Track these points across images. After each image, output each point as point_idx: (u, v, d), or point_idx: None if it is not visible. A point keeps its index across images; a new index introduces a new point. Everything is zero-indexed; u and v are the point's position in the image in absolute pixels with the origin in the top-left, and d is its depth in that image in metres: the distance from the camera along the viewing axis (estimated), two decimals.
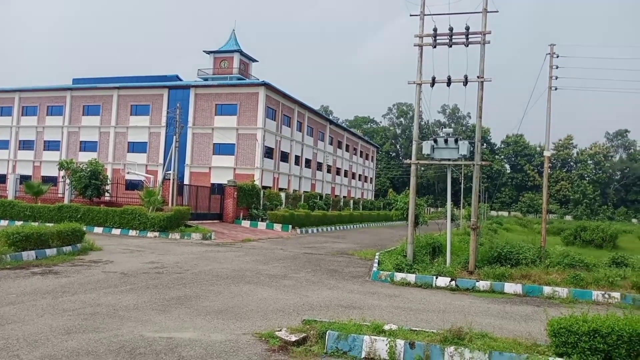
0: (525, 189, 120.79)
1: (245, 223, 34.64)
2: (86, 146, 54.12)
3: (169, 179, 31.42)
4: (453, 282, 14.05)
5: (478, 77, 15.51)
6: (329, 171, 66.67)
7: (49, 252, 15.73)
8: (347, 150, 74.30)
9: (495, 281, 14.10)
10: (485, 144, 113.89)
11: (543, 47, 44.14)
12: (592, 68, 27.50)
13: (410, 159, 16.69)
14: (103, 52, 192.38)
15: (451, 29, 15.67)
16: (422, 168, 79.84)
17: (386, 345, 7.12)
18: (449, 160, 16.14)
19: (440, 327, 8.36)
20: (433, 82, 16.07)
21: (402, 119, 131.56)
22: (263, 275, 14.56)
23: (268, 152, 49.21)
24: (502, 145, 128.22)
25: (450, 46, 15.92)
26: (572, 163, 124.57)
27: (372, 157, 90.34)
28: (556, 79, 21.33)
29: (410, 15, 16.33)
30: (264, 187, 43.41)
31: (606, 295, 12.99)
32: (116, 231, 26.38)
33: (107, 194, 33.40)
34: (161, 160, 49.10)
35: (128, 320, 8.59)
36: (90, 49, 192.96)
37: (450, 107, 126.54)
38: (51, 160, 52.17)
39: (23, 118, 57.44)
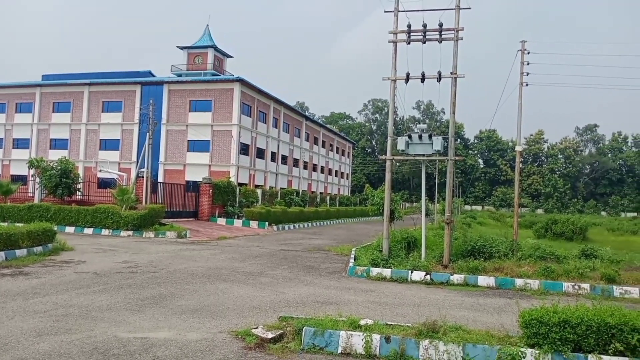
0: (498, 183, 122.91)
1: (221, 221, 34.39)
2: (57, 144, 52.91)
3: (143, 177, 30.99)
4: (428, 276, 14.23)
5: (451, 73, 15.68)
6: (305, 167, 66.64)
7: (19, 252, 15.35)
8: (323, 146, 74.37)
9: (469, 274, 14.33)
10: (459, 140, 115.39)
11: (516, 44, 44.83)
12: (563, 64, 28.08)
13: (386, 155, 16.80)
14: (74, 50, 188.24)
15: (425, 26, 15.80)
16: (398, 164, 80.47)
17: (362, 340, 7.18)
18: (423, 155, 16.31)
19: (415, 320, 8.45)
20: (407, 78, 16.18)
21: (377, 115, 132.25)
22: (239, 272, 14.49)
23: (244, 149, 48.89)
24: (476, 141, 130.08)
25: (424, 42, 16.06)
26: (543, 157, 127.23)
27: (348, 153, 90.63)
28: (527, 75, 21.69)
29: (385, 12, 16.42)
30: (240, 184, 43.16)
31: (576, 287, 13.32)
32: (88, 230, 25.90)
33: (78, 193, 32.78)
34: (134, 158, 48.31)
35: (101, 321, 8.46)
36: (59, 48, 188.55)
37: (425, 103, 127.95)
38: (20, 158, 50.95)
39: None
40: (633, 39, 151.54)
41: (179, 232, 25.69)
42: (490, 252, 16.40)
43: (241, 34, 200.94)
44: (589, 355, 6.55)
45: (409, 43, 16.17)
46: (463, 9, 15.67)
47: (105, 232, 25.67)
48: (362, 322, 7.71)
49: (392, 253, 16.53)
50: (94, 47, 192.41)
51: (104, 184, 42.78)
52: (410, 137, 16.05)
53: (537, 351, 6.65)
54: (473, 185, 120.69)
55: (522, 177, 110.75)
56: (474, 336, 7.18)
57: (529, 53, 21.66)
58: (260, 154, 53.07)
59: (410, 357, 6.94)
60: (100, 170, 44.31)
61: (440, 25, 15.61)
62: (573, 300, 8.49)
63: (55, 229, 18.32)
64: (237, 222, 34.21)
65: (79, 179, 33.06)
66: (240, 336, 7.77)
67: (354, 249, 19.83)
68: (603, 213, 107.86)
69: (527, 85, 21.67)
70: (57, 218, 26.18)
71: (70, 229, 25.95)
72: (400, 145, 16.06)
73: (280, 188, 51.89)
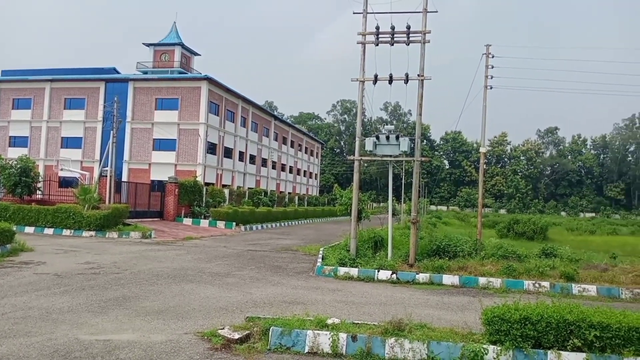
0: (463, 184, 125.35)
1: (187, 221, 33.90)
2: (16, 141, 51.15)
3: (106, 176, 30.30)
4: (394, 275, 14.40)
5: (419, 75, 15.90)
6: (274, 167, 66.38)
7: None
8: (292, 146, 74.25)
9: (434, 273, 14.57)
10: (425, 141, 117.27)
11: (481, 47, 45.71)
12: (527, 68, 28.84)
13: (354, 155, 16.91)
14: (42, 50, 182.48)
15: (393, 28, 15.98)
16: (365, 164, 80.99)
17: (329, 339, 7.22)
18: (390, 156, 16.47)
19: (381, 319, 8.54)
20: (375, 79, 16.33)
21: (345, 116, 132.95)
22: (205, 273, 14.33)
23: (211, 148, 48.34)
24: (442, 142, 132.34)
25: (392, 44, 16.23)
26: (506, 159, 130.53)
27: (317, 153, 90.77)
28: (491, 78, 22.24)
29: (354, 13, 16.54)
30: (207, 184, 42.64)
31: (537, 285, 13.71)
32: (49, 231, 25.14)
33: (39, 192, 31.80)
34: (98, 157, 47.15)
35: (62, 323, 8.23)
36: (26, 48, 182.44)
37: (392, 104, 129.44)
38: None
39: None
40: (600, 43, 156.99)
41: (143, 232, 25.21)
42: (454, 252, 16.71)
43: (211, 32, 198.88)
44: (549, 351, 6.75)
45: (377, 45, 16.32)
46: (430, 12, 15.91)
47: (66, 232, 24.97)
48: (329, 322, 7.75)
49: (359, 252, 16.65)
50: (60, 47, 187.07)
51: (66, 183, 41.56)
52: (378, 137, 16.20)
53: (499, 348, 6.82)
54: (439, 186, 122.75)
55: (486, 178, 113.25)
56: (438, 334, 7.33)
57: (493, 57, 22.21)
58: (228, 153, 52.58)
59: (376, 355, 7.02)
60: (61, 169, 43.01)
61: (408, 27, 15.82)
62: (534, 298, 8.74)
63: (14, 229, 17.70)
64: (204, 223, 33.80)
65: (40, 178, 32.05)
66: (206, 337, 7.69)
67: (321, 249, 19.89)
68: (563, 213, 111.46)
69: (491, 88, 22.22)
70: (16, 218, 25.31)
71: (29, 229, 25.14)
72: (368, 146, 16.19)
73: (248, 188, 51.53)
